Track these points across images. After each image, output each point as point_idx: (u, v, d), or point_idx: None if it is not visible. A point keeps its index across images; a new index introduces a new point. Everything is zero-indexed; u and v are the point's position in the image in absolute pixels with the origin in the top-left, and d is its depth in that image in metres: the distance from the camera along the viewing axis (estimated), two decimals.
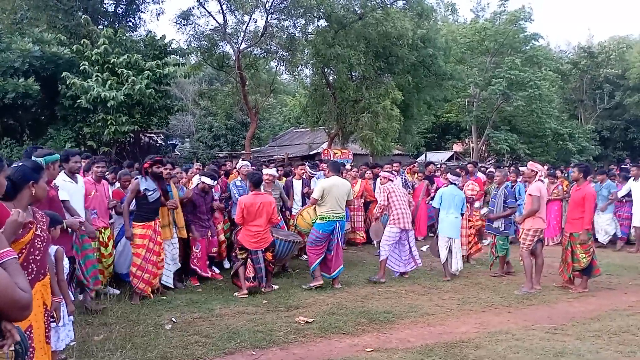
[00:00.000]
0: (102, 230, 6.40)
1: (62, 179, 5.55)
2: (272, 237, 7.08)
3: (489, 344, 5.01)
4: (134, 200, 6.57)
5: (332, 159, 16.87)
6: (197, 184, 7.74)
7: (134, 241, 6.43)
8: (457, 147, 34.51)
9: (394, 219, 7.75)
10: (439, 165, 12.95)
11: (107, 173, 7.11)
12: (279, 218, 7.63)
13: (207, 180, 7.58)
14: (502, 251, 8.17)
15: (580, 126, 32.72)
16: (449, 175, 8.35)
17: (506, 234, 8.10)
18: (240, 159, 9.49)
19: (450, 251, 7.97)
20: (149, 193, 6.46)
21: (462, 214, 8.16)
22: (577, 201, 7.25)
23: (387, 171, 8.76)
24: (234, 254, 7.16)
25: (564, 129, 30.31)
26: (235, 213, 7.70)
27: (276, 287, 7.18)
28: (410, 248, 7.91)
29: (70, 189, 5.61)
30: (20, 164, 3.21)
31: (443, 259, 7.98)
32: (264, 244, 6.90)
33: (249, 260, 6.88)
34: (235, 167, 9.61)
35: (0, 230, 1.94)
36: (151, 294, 6.53)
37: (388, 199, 7.82)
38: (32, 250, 3.02)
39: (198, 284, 7.45)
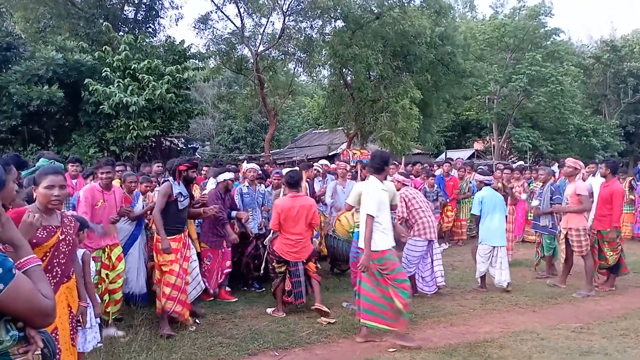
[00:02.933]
0: (107, 249, 5.29)
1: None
2: (313, 246, 6.18)
3: (513, 343, 4.95)
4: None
5: (351, 159, 16.86)
6: (217, 184, 6.75)
7: (166, 257, 5.34)
8: (478, 145, 34.20)
9: (418, 230, 6.59)
10: (428, 166, 12.42)
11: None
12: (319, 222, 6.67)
13: (228, 175, 6.70)
14: (549, 250, 7.95)
15: (604, 121, 32.11)
16: (477, 176, 7.67)
17: (553, 233, 7.85)
18: (245, 162, 7.93)
19: (491, 262, 7.09)
20: (181, 199, 5.49)
21: (505, 217, 7.37)
22: (605, 198, 7.03)
23: (402, 174, 7.41)
24: (270, 267, 6.20)
25: (588, 125, 29.80)
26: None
27: (325, 308, 5.90)
28: (432, 264, 6.73)
29: None
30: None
31: (482, 271, 7.13)
32: (304, 254, 5.97)
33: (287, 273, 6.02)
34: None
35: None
36: (189, 319, 5.50)
37: (408, 208, 6.66)
38: (56, 253, 3.09)
39: (212, 298, 6.57)
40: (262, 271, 6.80)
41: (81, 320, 3.51)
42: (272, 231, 6.20)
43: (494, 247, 7.06)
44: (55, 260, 3.09)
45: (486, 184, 7.33)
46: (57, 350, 2.98)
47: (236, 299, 6.62)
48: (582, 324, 5.55)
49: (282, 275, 6.02)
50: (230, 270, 6.72)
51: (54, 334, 2.99)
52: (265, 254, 6.51)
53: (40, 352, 1.75)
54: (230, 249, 6.74)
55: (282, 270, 6.01)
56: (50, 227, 3.07)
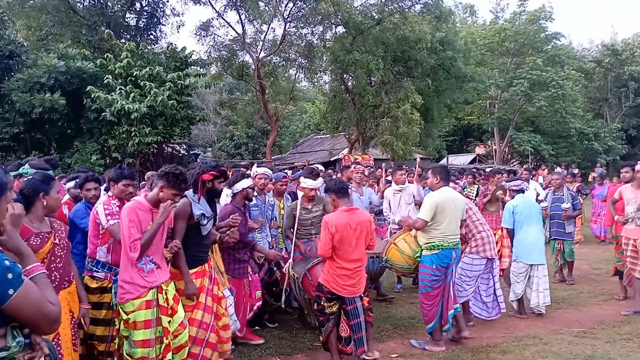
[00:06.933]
0: (164, 287, 3.67)
1: None
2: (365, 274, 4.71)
3: (516, 348, 4.94)
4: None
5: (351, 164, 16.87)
6: (233, 195, 5.13)
7: (185, 300, 3.91)
8: (480, 150, 34.22)
9: (476, 246, 5.61)
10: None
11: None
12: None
13: (247, 183, 5.12)
14: (572, 256, 7.74)
15: (606, 125, 32.15)
16: (506, 184, 6.75)
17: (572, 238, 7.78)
18: (255, 166, 6.33)
19: (529, 281, 6.05)
20: (204, 222, 4.03)
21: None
22: None
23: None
24: (317, 307, 4.59)
25: (589, 129, 29.83)
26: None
27: (377, 354, 4.63)
28: (494, 285, 5.79)
29: None
30: (30, 177, 3.31)
31: (518, 293, 6.06)
32: (362, 286, 4.55)
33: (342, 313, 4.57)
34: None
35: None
36: None
37: (466, 219, 5.62)
38: (53, 258, 3.13)
39: (232, 346, 4.62)
40: (282, 303, 5.52)
41: (83, 322, 3.50)
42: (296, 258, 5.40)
43: (531, 265, 6.01)
44: (52, 266, 3.12)
45: (516, 191, 6.29)
46: (60, 356, 3.00)
47: (263, 340, 5.18)
48: (585, 329, 5.53)
49: (335, 317, 4.54)
50: (260, 303, 5.24)
51: (56, 340, 3.00)
52: (285, 283, 5.40)
53: (44, 358, 1.77)
54: (257, 275, 5.28)
55: (335, 309, 4.51)
56: (42, 234, 3.09)
